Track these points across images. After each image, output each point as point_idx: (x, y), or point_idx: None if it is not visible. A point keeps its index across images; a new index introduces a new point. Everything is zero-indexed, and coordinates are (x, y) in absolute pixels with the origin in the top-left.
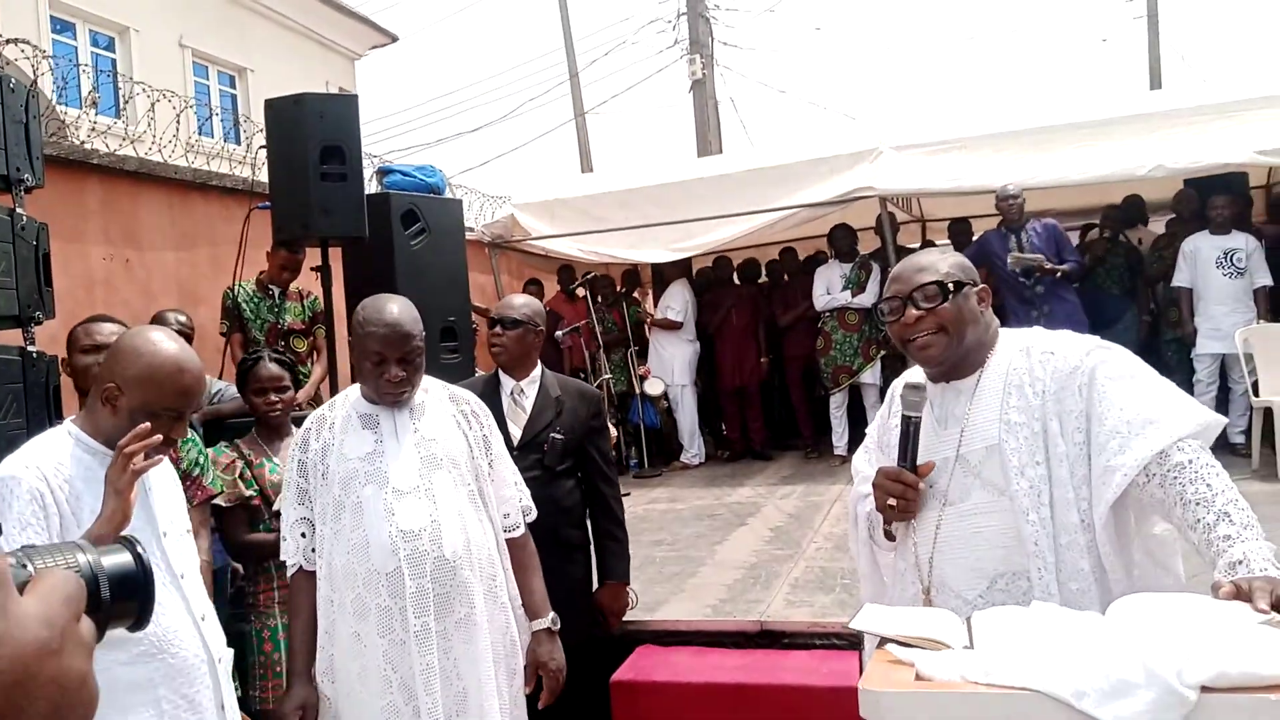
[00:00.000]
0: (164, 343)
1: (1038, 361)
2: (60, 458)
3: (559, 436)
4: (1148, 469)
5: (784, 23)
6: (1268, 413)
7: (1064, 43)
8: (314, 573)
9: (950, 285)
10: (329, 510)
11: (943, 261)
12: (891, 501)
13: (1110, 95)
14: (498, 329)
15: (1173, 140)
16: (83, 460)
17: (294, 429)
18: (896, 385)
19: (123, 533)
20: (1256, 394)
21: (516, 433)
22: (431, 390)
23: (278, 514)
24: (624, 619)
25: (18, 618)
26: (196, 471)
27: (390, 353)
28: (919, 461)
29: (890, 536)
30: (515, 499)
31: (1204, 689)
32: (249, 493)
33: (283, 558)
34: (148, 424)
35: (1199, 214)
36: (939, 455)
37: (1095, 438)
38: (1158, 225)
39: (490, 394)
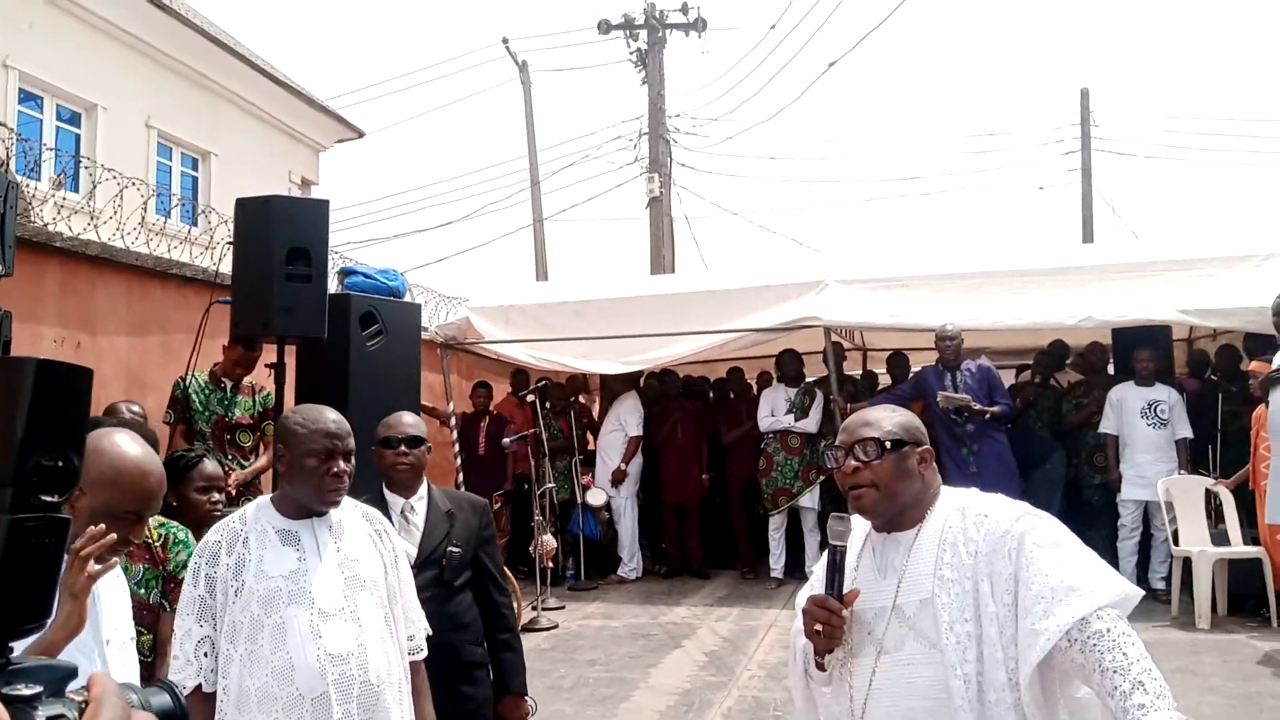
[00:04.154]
0: (128, 445)
1: (972, 522)
2: None
3: (456, 550)
4: (1069, 634)
5: (741, 150)
6: (1186, 562)
7: (1003, 187)
8: (212, 694)
9: (888, 443)
10: (242, 629)
11: (889, 419)
12: (817, 627)
13: (1045, 241)
14: (401, 448)
15: (1102, 293)
16: None
17: None
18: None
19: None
20: (1177, 543)
21: (412, 551)
22: (346, 508)
23: None
24: None
25: None
26: (183, 575)
27: (338, 446)
28: (845, 589)
29: (821, 667)
30: (418, 621)
31: None
32: None
33: (173, 677)
34: (102, 526)
35: (1107, 365)
36: (877, 604)
37: (1021, 601)
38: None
39: None
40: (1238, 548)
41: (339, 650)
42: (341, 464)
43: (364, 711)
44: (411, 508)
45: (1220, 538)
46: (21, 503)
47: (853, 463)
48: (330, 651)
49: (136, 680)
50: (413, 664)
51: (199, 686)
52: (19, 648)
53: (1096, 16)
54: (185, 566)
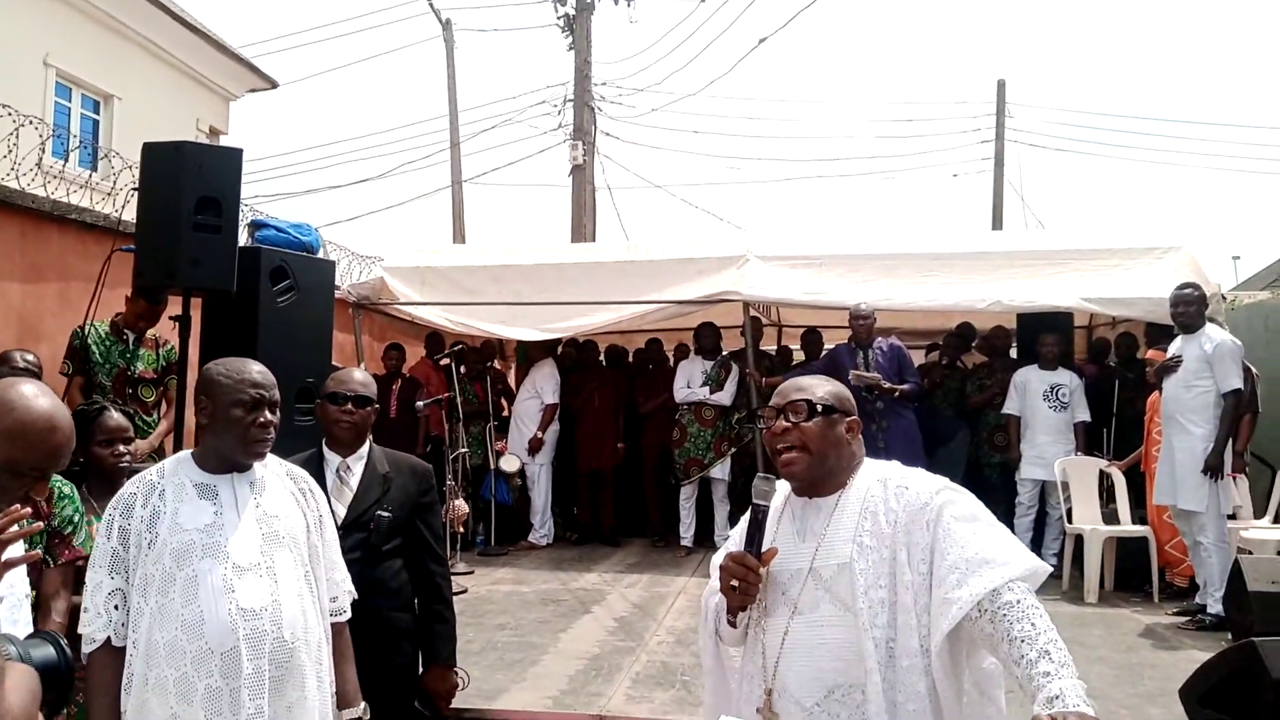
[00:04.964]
0: (38, 398)
1: (893, 493)
2: None
3: (386, 514)
4: (980, 604)
5: (667, 123)
6: (1078, 539)
7: (920, 173)
8: (123, 649)
9: (820, 407)
10: (153, 582)
11: (822, 387)
12: (734, 583)
13: (956, 227)
14: (349, 406)
15: (1010, 279)
16: None
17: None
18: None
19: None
20: (1070, 521)
21: (341, 511)
22: (270, 465)
23: None
24: (461, 706)
25: (12, 710)
26: (69, 530)
27: (264, 396)
28: (764, 549)
29: (733, 624)
30: (342, 582)
31: None
32: (84, 552)
33: (83, 630)
34: (28, 509)
35: (1009, 348)
36: (794, 566)
37: (936, 571)
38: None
39: (313, 472)
40: (1126, 527)
41: (252, 605)
42: (268, 414)
43: (276, 668)
44: (348, 467)
45: (1111, 517)
46: None
47: (783, 423)
48: (243, 606)
49: None
50: (335, 626)
51: (109, 640)
52: None
53: (1015, 12)
54: (70, 521)
